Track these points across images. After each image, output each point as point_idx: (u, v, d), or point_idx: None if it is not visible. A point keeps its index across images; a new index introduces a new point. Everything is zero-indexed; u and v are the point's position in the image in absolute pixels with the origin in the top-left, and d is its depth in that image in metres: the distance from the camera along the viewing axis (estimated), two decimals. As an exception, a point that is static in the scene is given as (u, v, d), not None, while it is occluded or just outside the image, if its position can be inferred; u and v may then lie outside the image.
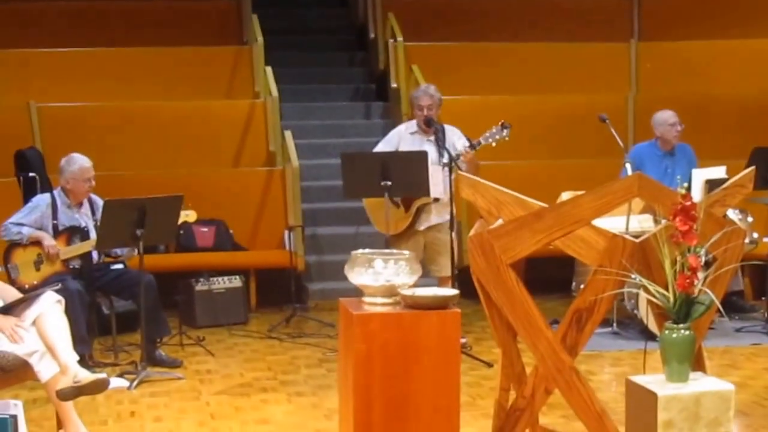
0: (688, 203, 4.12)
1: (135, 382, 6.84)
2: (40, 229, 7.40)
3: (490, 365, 7.18)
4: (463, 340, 7.34)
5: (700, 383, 4.22)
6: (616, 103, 10.73)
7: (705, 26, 11.98)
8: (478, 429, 5.71)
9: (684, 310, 4.18)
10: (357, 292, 4.80)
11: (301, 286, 9.64)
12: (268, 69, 10.73)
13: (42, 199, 7.59)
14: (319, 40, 12.76)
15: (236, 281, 9.00)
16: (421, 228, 7.80)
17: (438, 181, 7.50)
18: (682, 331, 4.16)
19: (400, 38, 11.27)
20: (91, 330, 7.41)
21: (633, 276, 4.30)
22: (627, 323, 8.18)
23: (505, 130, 7.48)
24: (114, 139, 9.99)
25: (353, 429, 4.60)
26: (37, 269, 7.36)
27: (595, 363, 7.33)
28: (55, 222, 7.42)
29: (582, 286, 4.89)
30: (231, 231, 9.63)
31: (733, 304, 8.48)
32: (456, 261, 7.61)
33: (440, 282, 7.67)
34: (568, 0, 12.32)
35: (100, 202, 7.47)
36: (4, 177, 9.28)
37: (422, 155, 7.50)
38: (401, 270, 4.69)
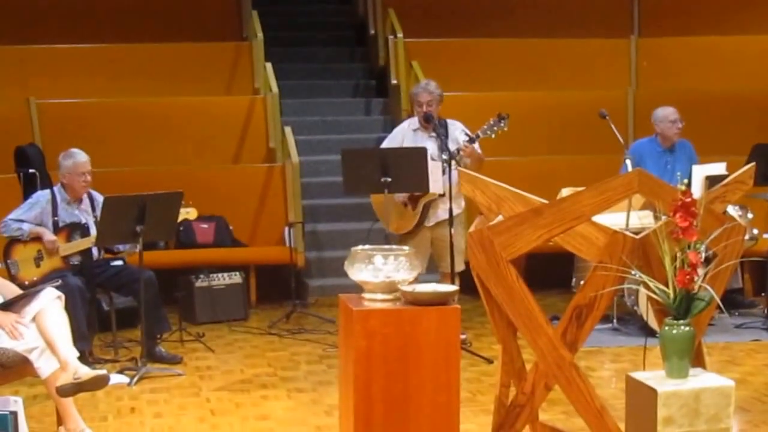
0: (688, 199, 4.12)
1: (135, 379, 6.85)
2: (39, 225, 7.40)
3: (490, 361, 7.17)
4: (463, 336, 7.33)
5: (700, 379, 4.22)
6: (616, 99, 10.73)
7: (705, 22, 11.98)
8: (478, 425, 5.72)
9: (684, 306, 4.17)
10: (357, 289, 4.80)
11: (301, 282, 9.63)
12: (268, 65, 10.73)
13: (42, 196, 7.59)
14: (319, 36, 12.75)
15: (236, 277, 9.00)
16: (429, 224, 7.81)
17: (438, 177, 7.49)
18: (682, 327, 4.16)
19: (400, 34, 11.26)
20: (91, 326, 7.41)
21: (633, 272, 4.29)
22: (627, 319, 8.18)
23: (502, 121, 7.49)
24: (114, 136, 9.99)
25: (353, 425, 4.61)
26: (37, 265, 7.36)
27: (595, 359, 7.33)
28: (55, 219, 7.43)
29: (582, 283, 4.89)
30: (231, 227, 9.63)
31: (732, 301, 8.47)
32: (461, 257, 7.59)
33: (449, 278, 7.65)
34: (569, -4, 12.34)
35: (100, 198, 7.48)
36: (4, 173, 9.28)
37: (422, 151, 7.50)
38: (401, 266, 4.69)
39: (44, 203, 7.47)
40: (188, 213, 7.51)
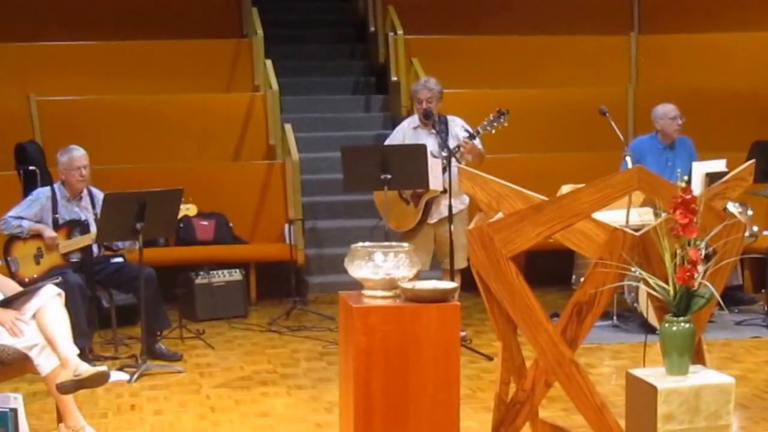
0: (688, 196, 4.12)
1: (135, 376, 6.85)
2: (39, 222, 7.40)
3: (490, 358, 7.18)
4: (462, 333, 7.34)
5: (700, 376, 4.22)
6: (616, 96, 10.73)
7: (705, 19, 11.97)
8: (478, 422, 5.72)
9: (684, 303, 4.17)
10: (357, 286, 4.80)
11: (301, 279, 9.63)
12: (268, 62, 10.72)
13: (42, 193, 7.59)
14: (319, 32, 12.76)
15: (236, 274, 9.00)
16: (432, 221, 7.81)
17: (438, 174, 7.49)
18: (682, 324, 4.16)
19: (400, 31, 11.26)
20: (91, 323, 7.41)
21: (633, 269, 4.29)
22: (627, 316, 8.19)
23: (502, 117, 7.50)
24: (114, 133, 9.99)
25: (353, 422, 4.61)
26: (37, 263, 7.36)
27: (595, 356, 7.33)
28: (55, 216, 7.43)
29: (582, 279, 4.89)
30: (231, 224, 9.62)
31: (732, 297, 8.47)
32: (464, 253, 7.59)
33: (453, 274, 7.65)
34: (569, -7, 12.33)
35: (100, 195, 7.48)
36: (4, 170, 9.27)
37: (421, 148, 7.50)
38: (401, 263, 4.69)
39: (44, 200, 7.47)
40: (188, 209, 7.51)
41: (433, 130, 7.74)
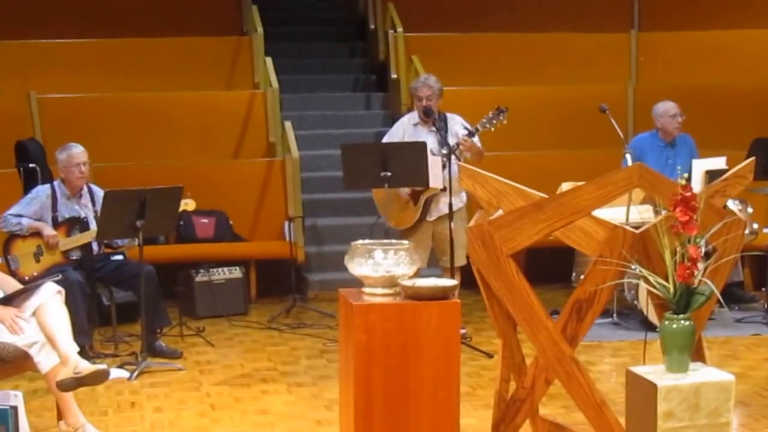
0: (689, 194, 4.12)
1: (135, 373, 6.85)
2: (39, 220, 7.40)
3: (490, 356, 7.18)
4: (462, 331, 7.34)
5: (700, 374, 4.22)
6: (616, 93, 10.73)
7: (705, 16, 11.96)
8: (478, 419, 5.72)
9: (684, 300, 4.17)
10: (357, 283, 4.80)
11: (301, 276, 9.64)
12: (268, 60, 10.73)
13: (42, 190, 7.59)
14: (319, 30, 12.76)
15: (236, 272, 9.00)
16: (431, 219, 7.81)
17: (438, 172, 7.49)
18: (682, 321, 4.16)
19: (399, 29, 11.26)
20: (91, 321, 7.41)
21: (633, 266, 4.30)
22: (627, 314, 8.19)
23: (501, 114, 7.50)
24: (114, 130, 9.99)
25: (354, 419, 4.61)
26: (37, 260, 7.36)
27: (595, 353, 7.34)
28: (55, 214, 7.42)
29: (582, 277, 4.89)
30: (231, 222, 9.63)
31: (733, 295, 8.48)
32: (463, 251, 7.59)
33: (451, 272, 7.66)
34: (569, -10, 12.33)
35: (100, 192, 7.47)
36: (5, 168, 9.27)
37: (421, 146, 7.50)
38: (401, 260, 4.70)
39: (44, 198, 7.47)
40: (186, 204, 7.50)
41: (433, 128, 7.74)
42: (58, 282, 5.52)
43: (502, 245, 4.56)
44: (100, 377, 5.32)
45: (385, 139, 8.09)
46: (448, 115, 7.86)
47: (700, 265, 4.17)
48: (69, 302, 5.63)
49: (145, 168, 9.50)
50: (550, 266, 8.82)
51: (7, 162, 9.34)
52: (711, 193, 4.54)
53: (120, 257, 7.70)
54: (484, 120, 7.55)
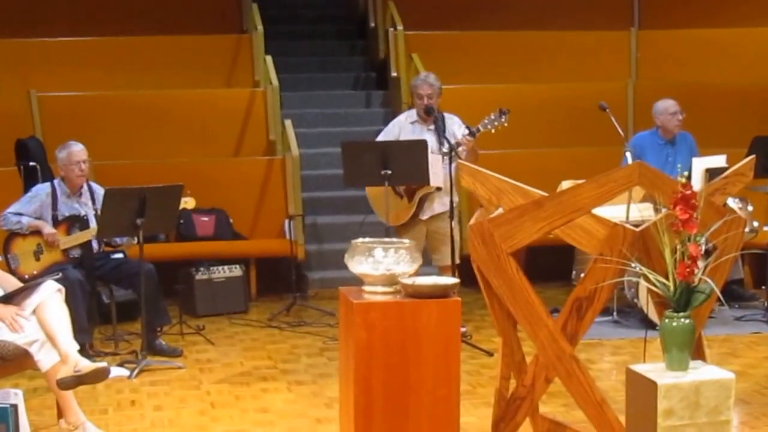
0: (689, 192, 4.12)
1: (135, 371, 6.85)
2: (39, 218, 7.39)
3: (490, 354, 7.18)
4: (463, 329, 7.34)
5: (700, 372, 4.22)
6: (616, 91, 10.72)
7: (705, 14, 11.97)
8: (479, 417, 5.72)
9: (684, 298, 4.17)
10: (357, 281, 4.80)
11: (301, 274, 9.64)
12: (268, 58, 10.73)
13: (42, 189, 7.59)
14: (320, 28, 12.76)
15: (236, 270, 9.01)
16: (424, 217, 7.81)
17: (438, 170, 7.50)
18: (682, 319, 4.16)
19: (400, 27, 11.26)
20: (91, 319, 7.42)
21: (633, 265, 4.29)
22: (627, 312, 8.19)
23: (503, 116, 7.48)
24: (114, 128, 9.99)
25: (354, 417, 4.61)
26: (37, 259, 7.36)
27: (596, 351, 7.34)
28: (55, 212, 7.42)
29: (582, 275, 4.89)
30: (231, 220, 9.63)
31: (733, 293, 8.48)
32: (457, 250, 7.61)
33: (442, 271, 7.68)
34: (569, -12, 12.33)
35: (100, 191, 7.48)
36: (5, 166, 9.28)
37: (422, 144, 7.50)
38: (401, 259, 4.70)
39: (44, 196, 7.46)
40: (186, 202, 7.50)
41: (432, 126, 7.74)
42: (58, 280, 5.52)
43: (503, 243, 4.57)
44: (100, 375, 5.32)
45: (380, 137, 8.08)
46: (446, 114, 7.85)
47: (700, 263, 4.17)
48: (69, 300, 5.63)
49: (145, 166, 9.50)
50: (550, 264, 8.82)
51: (7, 160, 9.34)
52: (711, 191, 4.54)
53: (120, 255, 7.70)
54: (486, 121, 7.52)
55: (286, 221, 9.57)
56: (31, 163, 9.19)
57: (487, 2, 12.10)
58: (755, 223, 8.36)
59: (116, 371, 6.72)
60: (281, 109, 10.56)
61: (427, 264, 7.94)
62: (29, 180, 8.94)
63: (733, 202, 7.36)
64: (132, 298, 8.01)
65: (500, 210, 4.65)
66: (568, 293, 4.67)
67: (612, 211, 5.75)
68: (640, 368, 4.26)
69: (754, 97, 10.67)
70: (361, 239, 4.81)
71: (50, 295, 5.39)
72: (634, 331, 7.73)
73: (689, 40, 11.56)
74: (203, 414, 6.04)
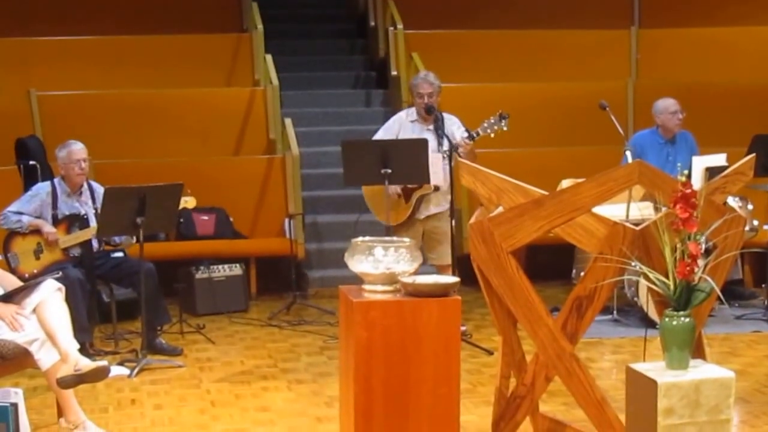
0: (689, 190, 4.12)
1: (135, 370, 6.85)
2: (39, 217, 7.39)
3: (490, 353, 7.18)
4: (463, 328, 7.33)
5: (700, 370, 4.22)
6: (616, 90, 10.71)
7: (705, 13, 11.96)
8: (479, 416, 5.72)
9: (684, 297, 4.17)
10: (357, 280, 4.80)
11: (302, 273, 9.64)
12: (268, 57, 10.73)
13: (42, 188, 7.59)
14: (320, 27, 12.76)
15: (236, 269, 9.00)
16: (421, 217, 7.81)
17: (438, 169, 7.49)
18: (682, 318, 4.16)
19: (400, 26, 11.25)
20: (91, 318, 7.42)
21: (633, 263, 4.29)
22: (627, 310, 8.18)
23: (503, 121, 7.46)
24: (114, 127, 9.99)
25: (354, 416, 4.61)
26: (37, 258, 7.36)
27: (596, 350, 7.34)
28: (55, 211, 7.42)
29: (582, 274, 4.89)
30: (231, 219, 9.63)
31: (733, 292, 8.48)
32: (455, 249, 7.61)
33: (439, 270, 7.69)
34: (569, -13, 12.32)
35: (100, 189, 7.48)
36: (5, 165, 9.27)
37: (422, 143, 7.50)
38: (401, 257, 4.70)
39: (44, 195, 7.46)
40: (187, 202, 7.51)
41: (432, 126, 7.74)
42: (58, 279, 5.53)
43: (503, 242, 4.57)
44: (100, 374, 5.33)
45: (379, 134, 8.07)
46: (446, 115, 7.83)
47: (700, 262, 4.17)
48: (69, 299, 5.63)
49: (145, 165, 9.50)
50: (550, 263, 8.82)
51: (7, 159, 9.34)
52: (711, 190, 4.54)
53: (120, 254, 7.71)
54: (485, 125, 7.49)
55: (286, 220, 9.56)
56: (31, 162, 9.19)
57: (487, 1, 12.09)
58: (755, 222, 8.37)
59: (116, 370, 6.72)
60: (281, 107, 10.56)
61: (426, 263, 7.95)
62: (29, 179, 8.94)
63: (733, 201, 7.38)
64: (132, 297, 8.01)
65: (500, 209, 4.65)
66: (568, 292, 4.67)
67: (612, 210, 5.74)
68: (640, 367, 4.27)
69: (755, 96, 10.66)
70: (361, 238, 4.81)
71: (50, 294, 5.39)
72: (634, 330, 7.73)
73: (689, 39, 11.56)
74: (203, 413, 6.05)
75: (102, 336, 7.82)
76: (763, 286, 8.63)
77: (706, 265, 4.27)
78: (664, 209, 4.45)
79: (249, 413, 6.02)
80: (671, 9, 12.08)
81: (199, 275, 8.83)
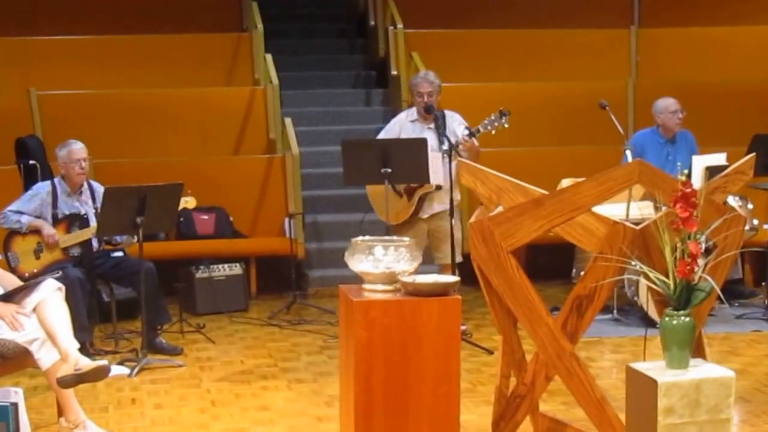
0: (689, 190, 4.12)
1: (135, 370, 6.85)
2: (39, 217, 7.39)
3: (490, 352, 7.18)
4: (463, 327, 7.33)
5: (700, 370, 4.22)
6: (616, 89, 10.71)
7: (705, 13, 11.96)
8: (479, 415, 5.72)
9: (684, 296, 4.17)
10: (357, 279, 4.80)
11: (302, 273, 9.64)
12: (268, 56, 10.72)
13: (42, 187, 7.59)
14: (320, 27, 12.76)
15: (236, 268, 9.01)
16: (424, 216, 7.81)
17: (438, 169, 7.49)
18: (683, 317, 4.16)
19: (400, 25, 11.25)
20: (91, 317, 7.42)
21: (633, 263, 4.29)
22: (627, 310, 8.18)
23: (503, 117, 7.46)
24: (114, 127, 9.99)
25: (354, 415, 4.61)
26: (37, 257, 7.36)
27: (596, 350, 7.34)
28: (55, 211, 7.42)
29: (582, 273, 4.89)
30: (231, 218, 9.62)
31: (733, 291, 8.47)
32: (458, 248, 7.61)
33: (444, 269, 7.68)
34: (569, -13, 12.32)
35: (100, 189, 7.48)
36: (5, 165, 9.27)
37: (422, 142, 7.50)
38: (401, 257, 4.69)
39: (44, 195, 7.46)
40: (187, 202, 7.51)
41: (432, 125, 7.73)
42: (58, 279, 5.53)
43: (503, 241, 4.57)
44: (100, 374, 5.33)
45: (381, 135, 8.08)
46: (447, 112, 7.84)
47: (701, 262, 4.17)
48: (69, 299, 5.63)
49: (145, 164, 9.50)
50: (550, 263, 8.82)
51: (7, 159, 9.34)
52: (711, 190, 4.54)
53: (120, 254, 7.71)
54: (486, 122, 7.50)
55: (286, 219, 9.56)
56: (31, 162, 9.18)
57: (487, 1, 12.09)
58: (755, 222, 8.37)
59: (116, 369, 6.72)
60: (281, 107, 10.56)
61: (428, 262, 7.95)
62: (29, 178, 8.94)
63: (733, 200, 7.38)
64: (132, 296, 8.01)
65: (500, 208, 4.65)
66: (568, 291, 4.67)
67: (612, 210, 5.75)
68: (640, 366, 4.27)
69: (755, 95, 10.67)
70: (361, 237, 4.81)
71: (50, 294, 5.39)
72: (634, 329, 7.73)
73: (689, 39, 11.56)
74: (204, 412, 6.05)
75: (102, 335, 7.82)
76: (763, 285, 8.63)
77: (706, 265, 4.27)
78: (664, 208, 4.45)
79: (249, 413, 6.02)
80: (671, 9, 12.08)
81: (199, 275, 8.84)
